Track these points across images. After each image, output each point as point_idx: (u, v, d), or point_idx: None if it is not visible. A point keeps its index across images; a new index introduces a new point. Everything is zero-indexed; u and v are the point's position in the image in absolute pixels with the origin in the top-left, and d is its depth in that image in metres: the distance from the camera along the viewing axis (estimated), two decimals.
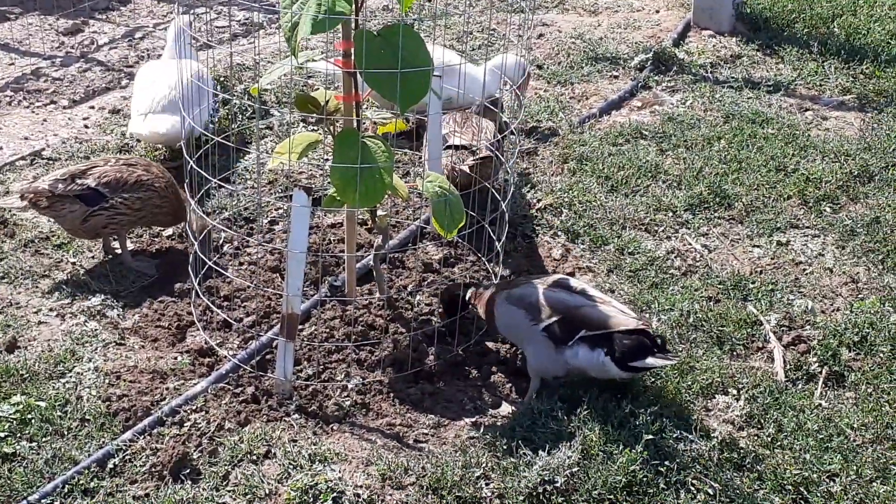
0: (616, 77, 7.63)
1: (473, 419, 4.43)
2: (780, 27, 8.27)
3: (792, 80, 7.56)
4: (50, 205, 5.13)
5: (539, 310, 4.41)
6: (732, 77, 7.57)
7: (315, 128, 6.14)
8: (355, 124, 4.39)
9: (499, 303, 4.57)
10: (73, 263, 5.31)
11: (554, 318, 4.36)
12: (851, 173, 6.25)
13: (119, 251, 5.34)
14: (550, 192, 5.97)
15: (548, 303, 4.41)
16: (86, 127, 6.72)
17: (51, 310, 4.95)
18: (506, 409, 4.49)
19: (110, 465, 4.05)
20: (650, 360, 4.18)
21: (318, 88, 5.10)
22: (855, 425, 4.34)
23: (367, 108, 5.25)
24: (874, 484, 4.07)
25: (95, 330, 4.81)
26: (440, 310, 4.97)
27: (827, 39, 7.98)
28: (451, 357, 4.75)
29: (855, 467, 4.11)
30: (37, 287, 5.11)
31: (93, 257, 5.36)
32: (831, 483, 4.05)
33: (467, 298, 4.76)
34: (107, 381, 4.47)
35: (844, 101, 7.31)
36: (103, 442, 4.15)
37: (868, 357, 4.77)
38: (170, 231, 5.59)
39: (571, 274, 5.31)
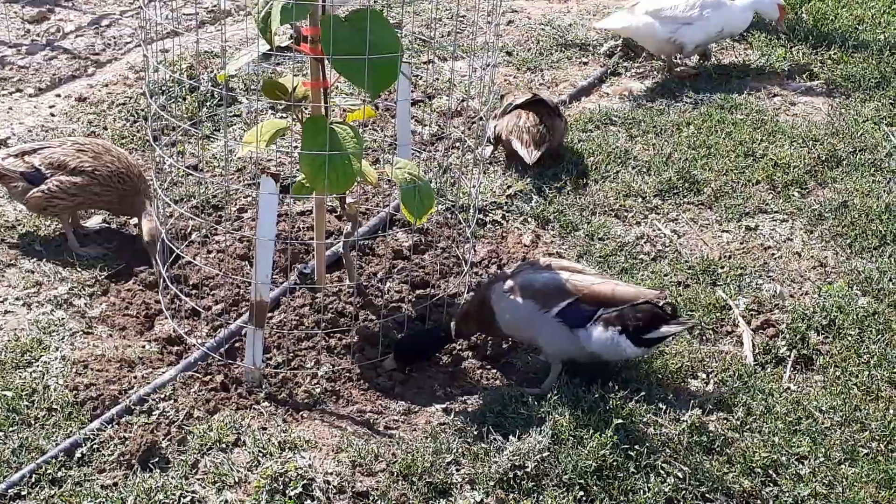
0: (585, 63, 7.64)
1: (444, 405, 4.42)
2: None
3: (760, 65, 7.58)
4: (0, 177, 5.25)
5: (548, 295, 4.31)
6: (701, 63, 7.59)
7: (283, 115, 6.11)
8: (323, 111, 4.37)
9: (496, 299, 4.40)
10: (40, 252, 5.26)
11: (567, 301, 4.28)
12: (819, 158, 6.29)
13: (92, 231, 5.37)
14: (520, 179, 5.97)
15: (556, 287, 4.32)
16: (52, 115, 6.66)
17: (17, 299, 4.90)
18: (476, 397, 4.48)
19: (78, 455, 4.02)
20: (664, 329, 4.19)
21: (285, 75, 5.08)
22: (823, 408, 4.37)
23: (335, 95, 5.23)
24: (842, 466, 4.09)
25: (62, 319, 4.77)
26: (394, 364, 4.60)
27: (795, 25, 8.01)
28: None
29: (823, 450, 4.14)
30: (3, 276, 5.06)
31: (58, 246, 5.31)
32: (800, 465, 4.07)
33: (454, 328, 4.54)
34: (74, 370, 4.43)
35: (812, 87, 7.34)
36: (71, 431, 4.12)
37: (836, 340, 4.79)
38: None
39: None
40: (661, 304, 4.29)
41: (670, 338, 4.37)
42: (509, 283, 4.39)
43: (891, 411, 4.34)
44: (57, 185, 5.12)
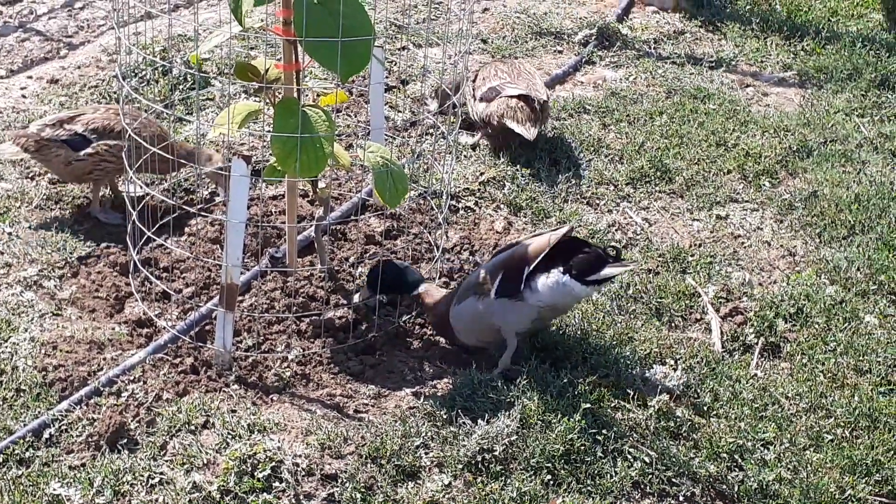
0: (560, 52, 7.65)
1: (414, 389, 4.43)
2: (722, 4, 8.33)
3: (734, 56, 7.62)
4: (38, 149, 5.29)
5: (483, 283, 4.40)
6: (675, 53, 7.62)
7: (256, 98, 6.09)
8: (296, 94, 4.36)
9: (452, 311, 4.50)
10: (10, 234, 5.23)
11: (497, 279, 4.35)
12: (790, 148, 6.33)
13: (111, 199, 5.51)
14: (493, 166, 5.98)
15: (486, 271, 4.41)
16: (23, 97, 6.62)
17: None
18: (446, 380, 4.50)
19: (46, 435, 4.02)
20: (607, 270, 4.22)
21: (257, 57, 5.06)
22: (789, 395, 4.41)
23: (308, 78, 5.22)
24: (807, 451, 4.13)
25: (32, 300, 4.75)
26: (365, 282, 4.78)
27: (769, 16, 8.05)
28: (393, 328, 4.75)
29: (789, 435, 4.18)
30: None
31: (29, 227, 5.28)
32: (765, 451, 4.11)
33: (418, 292, 4.66)
34: (43, 351, 4.41)
35: (785, 78, 7.38)
36: (39, 412, 4.11)
37: (804, 328, 4.84)
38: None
39: None
40: (605, 247, 4.35)
41: (614, 278, 4.46)
42: (458, 292, 4.51)
43: (856, 398, 4.39)
44: (106, 150, 5.22)
